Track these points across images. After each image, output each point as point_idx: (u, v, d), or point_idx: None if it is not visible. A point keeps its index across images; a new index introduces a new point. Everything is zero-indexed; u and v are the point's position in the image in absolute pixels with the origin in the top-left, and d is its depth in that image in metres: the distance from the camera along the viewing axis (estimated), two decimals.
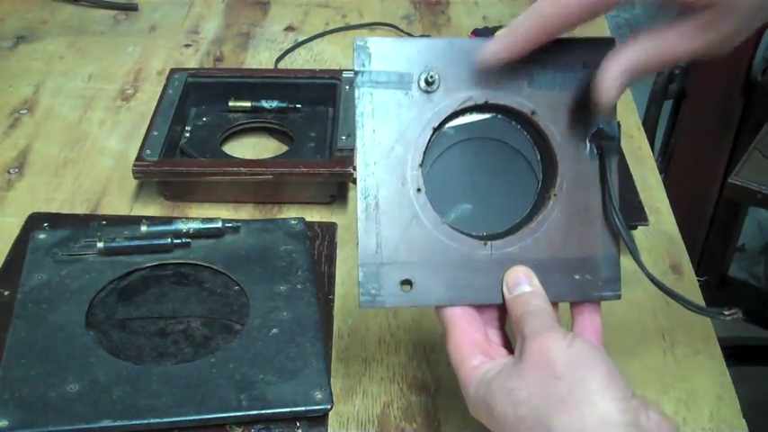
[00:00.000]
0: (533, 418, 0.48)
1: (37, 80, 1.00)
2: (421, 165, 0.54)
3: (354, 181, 0.83)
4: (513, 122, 0.57)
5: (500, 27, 1.03)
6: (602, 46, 0.54)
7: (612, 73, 0.51)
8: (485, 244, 0.55)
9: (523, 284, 0.55)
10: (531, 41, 0.52)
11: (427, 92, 0.54)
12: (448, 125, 0.56)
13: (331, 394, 0.60)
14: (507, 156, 0.57)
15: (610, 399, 0.47)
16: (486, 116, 0.56)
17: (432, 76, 0.54)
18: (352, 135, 0.83)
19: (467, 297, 0.55)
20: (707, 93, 1.44)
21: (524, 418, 0.49)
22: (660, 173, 0.89)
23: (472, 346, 0.54)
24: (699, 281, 0.76)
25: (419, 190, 0.54)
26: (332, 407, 0.59)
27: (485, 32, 1.03)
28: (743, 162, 1.14)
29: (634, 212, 0.76)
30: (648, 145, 0.93)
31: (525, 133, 0.57)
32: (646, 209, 0.77)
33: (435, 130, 0.55)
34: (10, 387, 0.59)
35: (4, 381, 0.59)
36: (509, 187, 0.57)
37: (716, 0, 0.50)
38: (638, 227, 0.77)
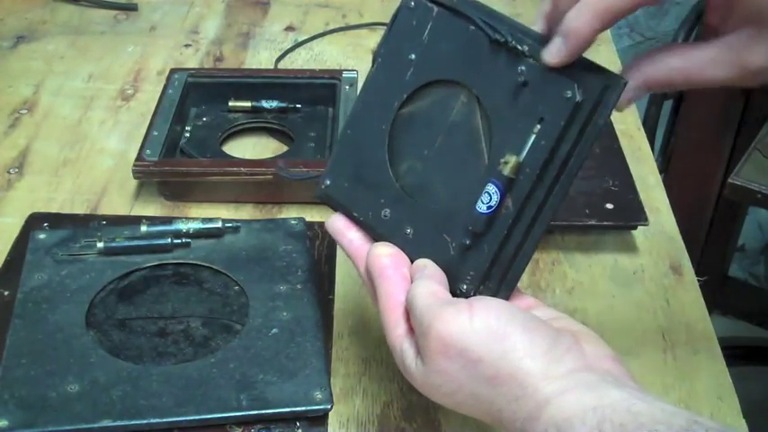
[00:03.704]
0: (471, 398, 0.47)
1: (37, 80, 1.00)
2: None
3: None
4: None
5: None
6: None
7: (634, 80, 0.50)
8: None
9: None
10: (589, 40, 0.49)
11: None
12: None
13: (331, 394, 0.60)
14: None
15: (540, 355, 0.46)
16: None
17: None
18: None
19: None
20: (707, 93, 1.44)
21: (462, 403, 0.48)
22: (660, 173, 0.89)
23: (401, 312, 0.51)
24: (699, 281, 0.76)
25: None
26: (332, 407, 0.59)
27: None
28: (743, 162, 1.14)
29: (634, 212, 0.76)
30: (648, 145, 0.93)
31: None
32: (646, 209, 0.77)
33: None
34: (10, 387, 0.59)
35: (4, 381, 0.59)
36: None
37: (759, 17, 0.46)
38: (638, 227, 0.77)
